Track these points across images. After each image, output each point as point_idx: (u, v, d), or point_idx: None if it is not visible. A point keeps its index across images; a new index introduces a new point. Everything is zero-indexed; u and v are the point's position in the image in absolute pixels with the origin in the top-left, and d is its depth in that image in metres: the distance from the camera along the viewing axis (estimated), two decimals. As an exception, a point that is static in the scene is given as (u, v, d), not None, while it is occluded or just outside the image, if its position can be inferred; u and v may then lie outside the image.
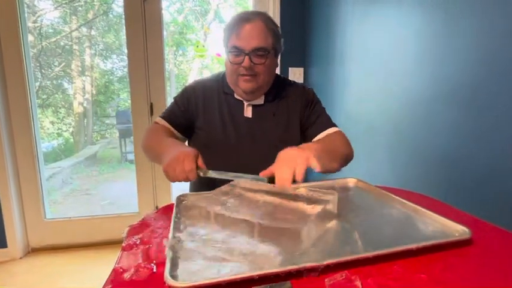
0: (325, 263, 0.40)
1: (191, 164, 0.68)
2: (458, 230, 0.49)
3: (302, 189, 0.61)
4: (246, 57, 0.84)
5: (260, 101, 0.94)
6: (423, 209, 0.56)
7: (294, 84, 1.02)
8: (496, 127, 0.88)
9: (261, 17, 0.87)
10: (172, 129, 0.95)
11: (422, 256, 0.44)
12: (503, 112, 0.86)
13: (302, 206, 0.53)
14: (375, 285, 0.37)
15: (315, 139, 0.94)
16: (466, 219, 0.57)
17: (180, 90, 1.01)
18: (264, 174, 0.68)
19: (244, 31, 0.83)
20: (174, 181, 0.70)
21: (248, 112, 0.94)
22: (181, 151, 0.70)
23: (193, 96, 0.96)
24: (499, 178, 0.88)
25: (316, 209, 0.51)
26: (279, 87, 0.97)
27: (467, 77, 0.96)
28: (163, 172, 0.71)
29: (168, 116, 0.96)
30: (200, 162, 0.71)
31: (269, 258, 0.41)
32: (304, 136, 0.98)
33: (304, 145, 0.75)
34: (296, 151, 0.67)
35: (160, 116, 0.97)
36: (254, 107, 0.94)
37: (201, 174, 0.69)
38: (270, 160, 0.86)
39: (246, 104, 0.94)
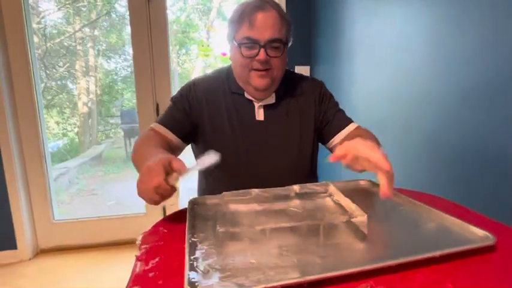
0: (347, 271, 0.39)
1: (156, 179, 0.53)
2: (481, 235, 0.47)
3: (328, 198, 0.60)
4: (262, 50, 0.74)
5: (271, 99, 0.85)
6: (445, 214, 0.55)
7: (302, 77, 0.93)
8: (509, 124, 0.86)
9: (274, 5, 0.78)
10: (170, 136, 0.82)
11: (445, 263, 0.43)
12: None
13: (329, 215, 0.52)
14: (400, 296, 0.36)
15: (337, 138, 0.86)
16: (485, 222, 0.56)
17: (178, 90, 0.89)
18: (336, 157, 0.56)
19: (259, 20, 0.73)
20: (157, 204, 0.57)
21: (260, 115, 0.85)
22: (146, 166, 0.56)
23: (195, 97, 0.84)
24: (508, 176, 0.86)
25: (343, 218, 0.50)
26: (288, 81, 0.88)
27: (477, 74, 0.94)
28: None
29: (167, 120, 0.83)
30: (176, 165, 0.55)
31: (291, 267, 0.40)
32: (321, 134, 0.90)
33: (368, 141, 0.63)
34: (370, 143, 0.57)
35: (157, 122, 0.84)
36: (266, 108, 0.85)
37: (174, 180, 0.55)
38: (285, 169, 0.83)
39: (257, 105, 0.85)
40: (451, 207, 0.65)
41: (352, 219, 0.50)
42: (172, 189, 0.56)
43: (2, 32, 1.74)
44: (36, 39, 3.38)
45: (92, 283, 1.62)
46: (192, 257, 0.44)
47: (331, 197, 0.60)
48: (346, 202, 0.55)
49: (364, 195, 0.71)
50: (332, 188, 0.63)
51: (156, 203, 0.57)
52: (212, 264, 0.43)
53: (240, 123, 0.83)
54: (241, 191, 0.63)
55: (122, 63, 4.45)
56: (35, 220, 1.94)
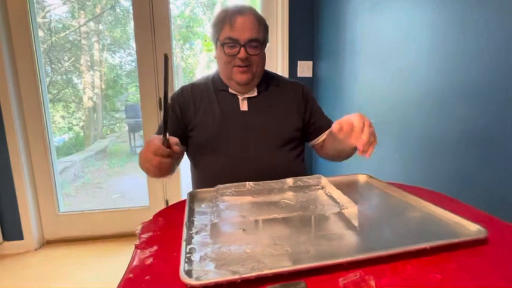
0: (338, 261, 0.40)
1: (154, 143, 0.67)
2: (473, 229, 0.48)
3: (320, 190, 0.61)
4: (242, 49, 0.84)
5: (253, 93, 0.94)
6: (437, 207, 0.55)
7: (283, 78, 1.03)
8: (507, 119, 0.86)
9: (251, 10, 0.88)
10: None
11: (436, 255, 0.44)
12: (519, 106, 0.83)
13: (321, 206, 0.53)
14: (389, 285, 0.37)
15: (321, 138, 0.97)
16: (480, 217, 0.56)
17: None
18: (337, 128, 0.65)
19: (238, 23, 0.84)
20: (155, 174, 0.75)
21: (244, 106, 0.93)
22: (146, 143, 0.71)
23: (183, 100, 0.94)
24: (506, 172, 0.86)
25: (334, 210, 0.51)
26: (269, 80, 0.99)
27: (479, 71, 0.94)
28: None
29: (161, 128, 0.90)
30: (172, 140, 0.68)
31: (284, 256, 0.41)
32: (306, 133, 0.99)
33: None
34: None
35: (155, 134, 0.91)
36: (249, 100, 0.94)
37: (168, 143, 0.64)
38: (272, 152, 0.90)
39: (241, 98, 0.93)
40: (446, 201, 0.65)
41: (343, 211, 0.51)
42: (170, 151, 0.66)
43: (7, 27, 1.76)
44: (41, 34, 3.40)
45: (95, 273, 1.66)
46: (188, 247, 0.45)
47: (324, 189, 0.61)
48: (337, 194, 0.56)
49: (358, 189, 0.72)
50: (324, 181, 0.64)
51: (156, 169, 0.70)
52: (208, 253, 0.44)
53: (226, 113, 0.91)
54: (235, 183, 0.64)
55: (127, 58, 4.46)
56: (41, 212, 1.98)
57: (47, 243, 2.00)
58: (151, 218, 0.61)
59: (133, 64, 1.99)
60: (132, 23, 1.88)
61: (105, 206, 2.13)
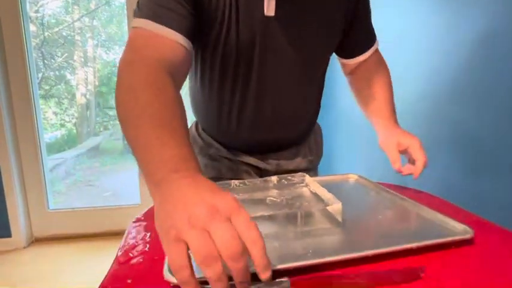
0: (322, 260, 0.39)
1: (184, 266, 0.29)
2: (460, 229, 0.48)
3: (305, 188, 0.61)
4: None
5: None
6: (424, 207, 0.56)
7: None
8: (499, 123, 0.87)
9: None
10: (181, 44, 0.53)
11: (421, 255, 0.44)
12: (506, 108, 0.84)
13: (306, 203, 0.53)
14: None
15: (352, 61, 0.75)
16: (468, 218, 0.57)
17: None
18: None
19: None
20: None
21: (270, 8, 0.60)
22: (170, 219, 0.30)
23: None
24: (497, 175, 0.87)
25: (319, 206, 0.52)
26: None
27: (471, 73, 0.94)
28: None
29: (173, 19, 0.52)
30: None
31: (271, 253, 0.41)
32: (339, 47, 0.73)
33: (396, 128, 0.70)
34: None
35: (150, 19, 0.51)
36: (278, 1, 0.60)
37: None
38: (299, 83, 0.67)
39: None
40: (435, 201, 0.66)
41: (328, 207, 0.51)
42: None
43: (-2, 19, 1.73)
44: (33, 28, 3.36)
45: (86, 272, 1.64)
46: None
47: (308, 186, 0.62)
48: (322, 191, 0.56)
49: (346, 187, 0.72)
50: (308, 179, 0.64)
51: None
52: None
53: (243, 18, 0.59)
54: (220, 182, 0.64)
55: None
56: (30, 209, 1.95)
57: (36, 240, 1.97)
58: (141, 215, 0.60)
59: (127, 61, 1.97)
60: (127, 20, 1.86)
61: (96, 204, 2.10)
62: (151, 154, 0.35)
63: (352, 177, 0.77)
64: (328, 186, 0.60)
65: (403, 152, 0.69)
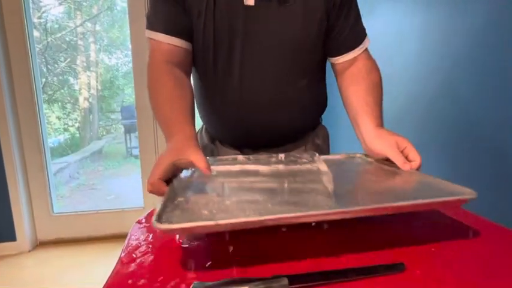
0: (304, 214, 0.38)
1: (154, 174, 0.48)
2: (463, 191, 0.45)
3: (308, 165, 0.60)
4: None
5: None
6: (430, 176, 0.53)
7: None
8: (497, 123, 0.87)
9: None
10: (183, 46, 0.66)
11: (419, 247, 0.44)
12: (503, 110, 0.84)
13: (300, 175, 0.53)
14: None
15: (341, 58, 0.72)
16: (468, 217, 0.57)
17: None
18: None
19: None
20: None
21: None
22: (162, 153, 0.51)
23: None
24: (496, 174, 0.87)
25: (311, 177, 0.52)
26: None
27: (467, 74, 0.95)
28: None
29: (168, 24, 0.65)
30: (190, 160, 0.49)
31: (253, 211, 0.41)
32: (326, 45, 0.73)
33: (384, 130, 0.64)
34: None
35: (157, 30, 0.65)
36: None
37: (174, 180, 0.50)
38: (279, 68, 0.67)
39: None
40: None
41: (320, 176, 0.51)
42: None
43: (2, 26, 1.76)
44: (37, 34, 3.40)
45: (89, 275, 1.65)
46: (163, 205, 0.45)
47: (311, 163, 0.59)
48: (321, 166, 0.55)
49: (350, 164, 0.68)
50: (317, 158, 0.61)
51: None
52: (180, 204, 0.44)
53: (223, 8, 0.64)
54: (226, 157, 0.64)
55: (123, 59, 4.47)
56: (34, 213, 1.96)
57: (41, 244, 1.99)
58: (146, 215, 0.60)
59: (130, 65, 1.98)
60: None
61: (99, 207, 2.12)
62: (166, 125, 0.59)
63: (359, 156, 0.71)
64: (333, 163, 0.59)
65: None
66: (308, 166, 0.58)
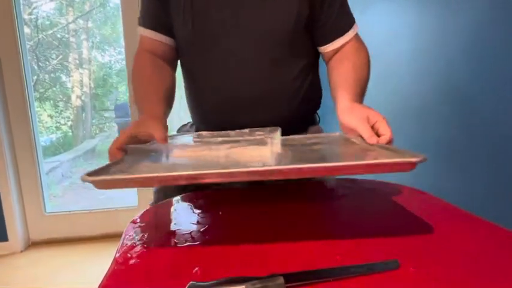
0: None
1: (113, 143, 0.52)
2: (414, 155, 0.41)
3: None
4: None
5: None
6: (392, 146, 0.51)
7: None
8: (488, 125, 0.88)
9: None
10: (163, 41, 0.71)
11: (412, 247, 0.44)
12: (496, 110, 0.86)
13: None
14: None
15: (329, 47, 0.71)
16: (464, 217, 0.57)
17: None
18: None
19: None
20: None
21: None
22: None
23: None
24: (494, 174, 0.88)
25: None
26: None
27: (460, 74, 0.96)
28: None
29: (150, 20, 0.71)
30: (144, 133, 0.53)
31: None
32: (313, 28, 0.71)
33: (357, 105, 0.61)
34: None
35: (142, 25, 0.72)
36: None
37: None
38: (259, 57, 0.66)
39: None
40: (434, 201, 0.67)
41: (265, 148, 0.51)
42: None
43: (-8, 22, 1.72)
44: (28, 31, 3.34)
45: (83, 275, 1.63)
46: (105, 166, 0.44)
47: (266, 136, 0.57)
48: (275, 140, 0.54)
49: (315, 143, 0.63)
50: (278, 134, 0.59)
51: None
52: (121, 168, 0.44)
53: (203, 3, 0.66)
54: (220, 132, 0.62)
55: (117, 56, 4.42)
56: (26, 212, 1.93)
57: (33, 244, 1.96)
58: (140, 214, 0.60)
59: (123, 63, 1.96)
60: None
61: (92, 206, 2.10)
62: (139, 106, 0.65)
63: (338, 135, 0.68)
64: (302, 143, 0.58)
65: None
66: (262, 138, 0.55)
